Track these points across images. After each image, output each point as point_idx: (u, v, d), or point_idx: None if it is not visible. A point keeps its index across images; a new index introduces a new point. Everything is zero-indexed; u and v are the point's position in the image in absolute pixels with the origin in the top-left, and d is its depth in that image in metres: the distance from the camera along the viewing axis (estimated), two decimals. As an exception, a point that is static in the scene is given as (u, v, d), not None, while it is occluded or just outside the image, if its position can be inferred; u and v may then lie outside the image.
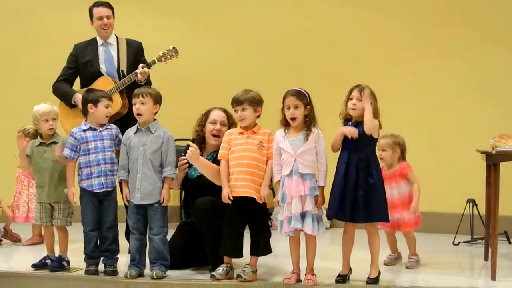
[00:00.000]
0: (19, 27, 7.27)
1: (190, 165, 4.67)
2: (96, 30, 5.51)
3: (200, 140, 4.79)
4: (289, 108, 4.31)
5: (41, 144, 4.77)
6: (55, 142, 4.74)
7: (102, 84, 5.26)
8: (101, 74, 5.42)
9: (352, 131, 4.25)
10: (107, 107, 4.67)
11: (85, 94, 4.76)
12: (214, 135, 4.74)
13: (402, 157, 4.94)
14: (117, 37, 5.54)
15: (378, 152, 4.62)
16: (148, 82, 5.31)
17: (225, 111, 4.81)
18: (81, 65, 5.49)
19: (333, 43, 6.85)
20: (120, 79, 5.37)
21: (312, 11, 6.95)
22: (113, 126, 4.76)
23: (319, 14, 6.92)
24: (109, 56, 5.48)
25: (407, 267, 4.83)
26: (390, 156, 4.86)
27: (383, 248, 4.52)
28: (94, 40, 5.54)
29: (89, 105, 4.65)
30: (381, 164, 4.67)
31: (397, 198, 4.84)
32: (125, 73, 5.38)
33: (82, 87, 5.48)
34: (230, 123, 4.76)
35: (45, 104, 4.82)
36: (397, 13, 6.69)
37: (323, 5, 6.90)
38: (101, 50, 5.49)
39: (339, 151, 4.36)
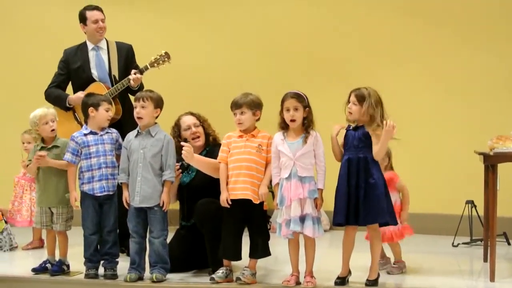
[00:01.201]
0: (16, 27, 7.30)
1: (183, 171, 4.73)
2: (90, 33, 5.49)
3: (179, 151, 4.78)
4: (288, 110, 4.32)
5: (42, 148, 4.77)
6: (56, 146, 4.75)
7: (95, 90, 5.24)
8: (93, 80, 5.42)
9: (336, 128, 4.32)
10: (107, 111, 4.70)
11: (85, 98, 4.79)
12: (194, 138, 4.82)
13: (389, 165, 4.83)
14: (107, 41, 5.54)
15: None
16: (140, 87, 5.32)
17: (191, 113, 4.93)
18: (73, 71, 5.48)
19: (333, 44, 6.85)
20: (112, 84, 5.37)
21: (311, 12, 6.95)
22: (114, 130, 4.78)
23: (319, 15, 6.93)
24: (100, 61, 5.47)
25: (388, 273, 4.74)
26: (387, 162, 4.77)
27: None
28: (84, 45, 5.53)
29: (90, 109, 4.67)
30: None
31: None
32: (117, 77, 5.38)
33: (74, 93, 5.48)
34: (202, 121, 4.89)
35: (40, 108, 4.82)
36: (394, 12, 6.70)
37: (322, 5, 6.91)
38: (91, 54, 5.49)
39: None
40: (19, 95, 7.11)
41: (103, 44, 5.52)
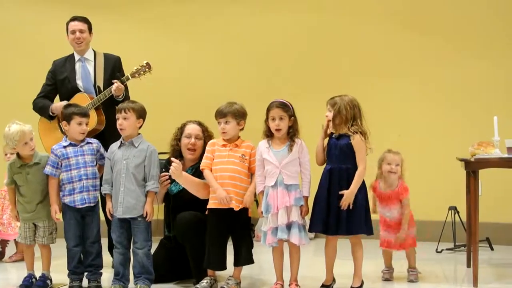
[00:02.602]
0: (15, 39, 7.30)
1: (172, 181, 4.69)
2: (71, 44, 5.50)
3: (177, 154, 4.78)
4: (274, 119, 4.33)
5: (22, 166, 4.65)
6: (37, 163, 4.63)
7: (79, 100, 5.25)
8: (78, 90, 5.41)
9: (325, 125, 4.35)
10: (79, 124, 4.62)
11: (63, 110, 4.77)
12: (189, 149, 4.77)
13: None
14: (94, 52, 5.55)
15: (389, 167, 4.65)
16: (126, 97, 5.31)
17: (199, 124, 4.85)
18: (59, 82, 5.49)
19: (317, 54, 6.90)
20: (96, 95, 5.36)
21: (300, 22, 6.99)
22: (94, 140, 4.76)
23: (307, 25, 6.97)
24: (86, 72, 5.47)
25: (410, 281, 4.74)
26: (401, 172, 4.74)
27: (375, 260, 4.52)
28: (71, 56, 5.54)
29: (63, 123, 4.66)
30: (392, 179, 4.67)
31: (398, 218, 4.75)
32: (102, 88, 5.37)
33: None
34: (206, 135, 4.80)
35: (16, 126, 4.57)
36: (383, 21, 6.75)
37: (311, 15, 6.95)
38: (78, 66, 5.49)
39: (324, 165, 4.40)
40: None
41: (89, 56, 5.53)
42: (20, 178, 4.65)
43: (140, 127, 4.64)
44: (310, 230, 4.39)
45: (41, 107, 5.47)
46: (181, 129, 4.84)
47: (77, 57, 5.52)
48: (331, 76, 6.70)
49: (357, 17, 6.84)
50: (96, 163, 4.68)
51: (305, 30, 6.97)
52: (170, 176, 4.60)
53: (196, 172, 4.66)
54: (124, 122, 4.55)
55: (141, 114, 4.60)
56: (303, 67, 6.93)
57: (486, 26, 6.45)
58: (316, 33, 6.93)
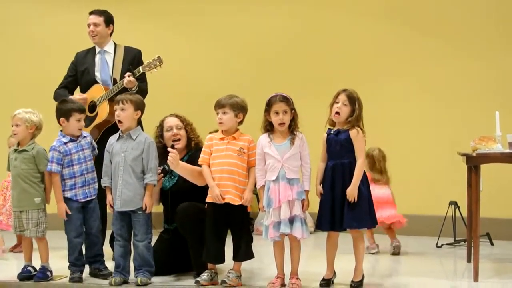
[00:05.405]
0: (18, 33, 7.30)
1: (164, 175, 4.72)
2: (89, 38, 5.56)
3: (161, 152, 4.73)
4: (277, 113, 4.29)
5: (15, 150, 4.68)
6: (25, 151, 4.61)
7: (94, 91, 5.34)
8: (96, 82, 5.45)
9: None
10: (79, 121, 4.63)
11: (58, 105, 4.72)
12: (174, 140, 4.78)
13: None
14: (115, 45, 5.58)
15: None
16: (142, 89, 5.29)
17: (176, 116, 4.90)
18: (79, 73, 5.55)
19: (316, 51, 6.91)
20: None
21: (298, 20, 7.00)
22: (86, 133, 4.76)
23: (305, 23, 6.98)
24: (104, 64, 5.51)
25: (394, 253, 4.93)
26: None
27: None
28: (93, 48, 5.59)
29: (61, 119, 4.63)
30: None
31: None
32: (118, 80, 5.39)
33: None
34: (185, 124, 4.85)
35: (38, 115, 4.68)
36: (381, 19, 6.75)
37: (309, 14, 6.94)
38: (98, 58, 5.54)
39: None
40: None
41: (110, 48, 5.56)
42: (11, 162, 4.70)
43: (138, 120, 4.63)
44: (318, 228, 4.38)
45: (60, 96, 5.46)
46: (161, 126, 4.88)
47: (97, 49, 5.56)
48: (329, 74, 6.68)
49: (356, 16, 6.84)
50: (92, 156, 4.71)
51: (304, 27, 6.97)
52: (162, 170, 4.63)
53: (188, 161, 4.67)
54: (122, 113, 4.54)
55: (139, 106, 4.59)
56: (302, 64, 6.93)
57: (494, 26, 6.43)
58: (315, 31, 6.93)
